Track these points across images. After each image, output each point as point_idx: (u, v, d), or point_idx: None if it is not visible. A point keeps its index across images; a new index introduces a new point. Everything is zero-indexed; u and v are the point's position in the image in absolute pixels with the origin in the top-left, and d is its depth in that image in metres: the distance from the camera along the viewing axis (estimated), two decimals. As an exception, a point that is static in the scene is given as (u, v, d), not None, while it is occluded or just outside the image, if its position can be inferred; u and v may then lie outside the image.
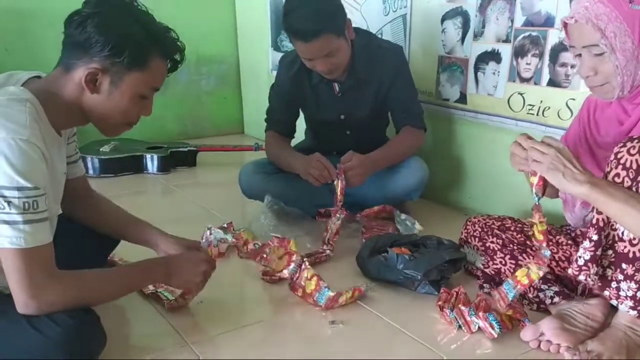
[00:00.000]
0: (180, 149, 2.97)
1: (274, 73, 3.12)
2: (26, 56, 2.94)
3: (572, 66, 1.81)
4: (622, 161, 1.17)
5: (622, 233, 1.20)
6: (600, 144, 1.37)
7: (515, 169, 1.27)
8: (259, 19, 3.33)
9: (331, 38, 1.86)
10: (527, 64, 1.95)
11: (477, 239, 1.64)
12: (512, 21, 1.96)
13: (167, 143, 3.05)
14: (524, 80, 1.97)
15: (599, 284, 1.26)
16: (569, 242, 1.52)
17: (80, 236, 1.44)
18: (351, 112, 2.13)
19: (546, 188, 1.25)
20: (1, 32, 2.93)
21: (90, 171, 2.73)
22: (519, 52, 1.96)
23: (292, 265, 1.61)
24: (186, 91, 3.53)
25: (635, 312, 1.24)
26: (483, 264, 1.60)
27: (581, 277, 1.25)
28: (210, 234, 1.57)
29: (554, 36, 1.84)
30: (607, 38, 1.15)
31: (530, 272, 1.33)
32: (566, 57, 1.82)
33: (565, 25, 1.24)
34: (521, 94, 1.98)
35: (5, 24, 2.93)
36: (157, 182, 2.78)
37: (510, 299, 1.37)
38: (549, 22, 1.85)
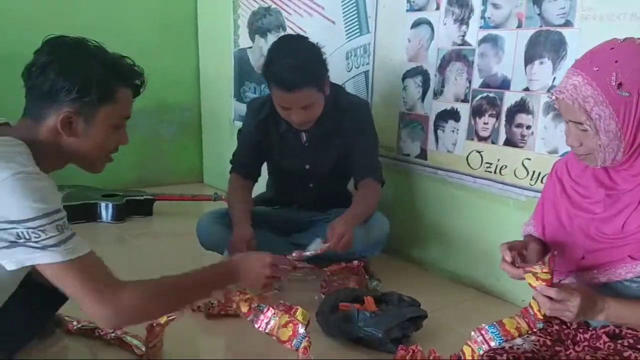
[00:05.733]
0: (137, 198, 2.89)
1: (236, 123, 3.12)
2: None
3: (528, 127, 1.87)
4: None
5: None
6: (582, 206, 1.32)
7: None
8: (223, 69, 3.34)
9: (312, 91, 1.89)
10: (484, 123, 2.01)
11: None
12: (469, 82, 2.03)
13: (123, 191, 2.97)
14: (481, 139, 2.03)
15: None
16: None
17: (26, 290, 1.33)
18: (316, 163, 2.13)
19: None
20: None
21: (41, 219, 2.62)
22: (477, 112, 2.02)
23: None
24: (146, 138, 3.46)
25: None
26: None
27: None
28: None
29: (509, 98, 1.91)
30: (592, 120, 1.17)
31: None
32: (522, 118, 1.89)
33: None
34: (479, 152, 2.03)
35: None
36: (110, 231, 2.68)
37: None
38: (505, 84, 1.92)
